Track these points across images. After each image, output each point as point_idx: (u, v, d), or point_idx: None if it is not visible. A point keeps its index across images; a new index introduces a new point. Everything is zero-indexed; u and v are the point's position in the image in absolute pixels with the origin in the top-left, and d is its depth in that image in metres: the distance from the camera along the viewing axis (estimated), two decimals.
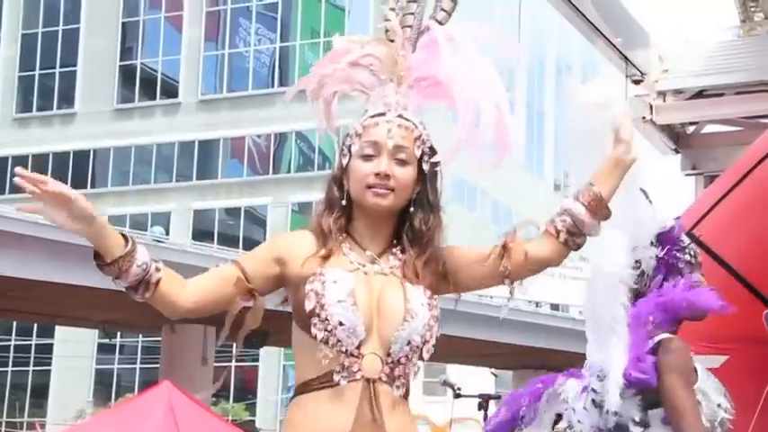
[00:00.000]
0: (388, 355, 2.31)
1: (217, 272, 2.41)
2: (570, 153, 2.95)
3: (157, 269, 2.31)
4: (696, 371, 2.89)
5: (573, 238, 2.40)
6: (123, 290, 2.33)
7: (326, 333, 2.28)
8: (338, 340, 2.29)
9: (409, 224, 2.43)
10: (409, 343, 2.32)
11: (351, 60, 2.48)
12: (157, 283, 2.31)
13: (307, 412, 2.32)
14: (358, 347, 2.30)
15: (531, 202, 37.31)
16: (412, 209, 2.42)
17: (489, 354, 16.05)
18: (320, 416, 2.30)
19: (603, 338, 3.03)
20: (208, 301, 2.38)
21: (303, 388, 2.35)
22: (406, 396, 2.38)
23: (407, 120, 2.43)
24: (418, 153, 2.41)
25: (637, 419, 2.94)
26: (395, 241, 2.44)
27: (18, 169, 2.19)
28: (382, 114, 2.42)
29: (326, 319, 2.28)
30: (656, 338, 2.93)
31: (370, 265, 2.39)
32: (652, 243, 3.03)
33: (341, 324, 2.28)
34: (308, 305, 2.30)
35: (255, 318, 2.39)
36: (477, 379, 15.19)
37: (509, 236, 2.43)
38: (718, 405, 2.85)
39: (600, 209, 2.40)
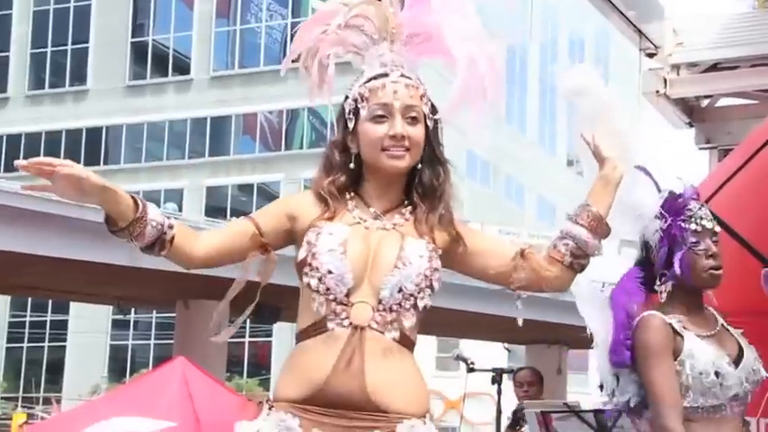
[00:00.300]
0: (380, 302, 2.33)
1: (231, 225, 2.48)
2: (575, 137, 2.97)
3: (171, 226, 2.36)
4: (684, 339, 2.86)
5: (578, 260, 2.46)
6: (139, 249, 2.36)
7: (317, 282, 2.33)
8: (327, 288, 2.33)
9: (419, 180, 2.45)
10: (401, 290, 2.34)
11: (341, 22, 2.48)
12: (172, 239, 2.35)
13: (297, 359, 2.37)
14: (347, 295, 2.33)
15: (544, 177, 37.24)
16: (420, 165, 2.44)
17: (502, 328, 16.05)
18: (306, 362, 2.34)
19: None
20: (221, 252, 2.42)
21: (299, 337, 2.40)
22: (405, 344, 2.37)
23: (410, 78, 2.44)
24: (426, 110, 2.43)
25: (638, 396, 2.95)
26: (405, 201, 2.46)
27: (18, 163, 2.22)
28: (385, 75, 2.43)
29: (317, 268, 2.33)
30: (640, 316, 2.94)
31: (372, 220, 2.42)
32: (657, 216, 3.00)
33: (330, 272, 2.32)
34: (301, 254, 2.36)
35: (268, 272, 2.43)
36: (490, 354, 15.21)
37: (529, 248, 2.47)
38: (700, 373, 2.82)
39: (600, 227, 2.46)
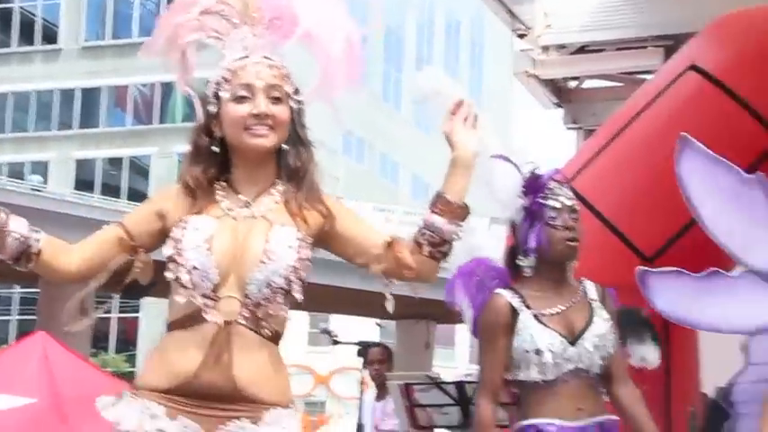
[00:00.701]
0: (247, 297, 2.34)
1: (101, 234, 2.45)
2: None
3: (37, 240, 2.34)
4: (519, 316, 3.02)
5: (437, 248, 2.45)
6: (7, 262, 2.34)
7: (184, 278, 2.33)
8: (194, 284, 2.32)
9: (284, 162, 2.45)
10: (269, 285, 2.34)
11: (202, 9, 2.48)
12: (39, 253, 2.34)
13: (165, 351, 2.38)
14: (214, 291, 2.33)
15: (419, 155, 37.61)
16: (285, 146, 2.44)
17: (373, 304, 16.22)
18: (174, 355, 2.35)
19: None
20: (93, 265, 2.41)
21: (169, 327, 2.40)
22: (273, 339, 2.39)
23: (272, 59, 2.45)
24: (290, 90, 2.43)
25: None
26: (277, 182, 2.46)
27: None
28: (247, 57, 2.43)
29: (183, 265, 2.33)
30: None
31: (239, 209, 2.41)
32: (519, 196, 3.14)
33: (195, 268, 2.32)
34: (167, 251, 2.35)
35: (144, 274, 2.42)
36: (361, 329, 15.33)
37: (397, 239, 2.47)
38: (525, 350, 2.99)
39: (453, 212, 2.44)
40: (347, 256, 2.50)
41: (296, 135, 2.46)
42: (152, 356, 2.41)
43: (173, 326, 2.38)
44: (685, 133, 3.59)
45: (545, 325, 3.01)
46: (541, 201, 3.10)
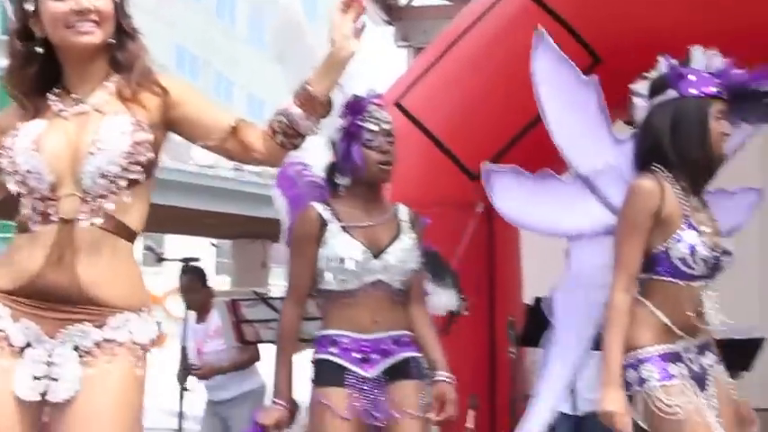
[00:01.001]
0: (86, 192, 2.29)
1: None
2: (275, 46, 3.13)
3: None
4: (326, 227, 3.14)
5: (289, 139, 2.43)
6: None
7: (20, 184, 2.30)
8: (31, 188, 2.29)
9: (113, 55, 2.39)
10: (104, 175, 2.29)
11: None
12: None
13: (11, 252, 2.34)
14: (53, 191, 2.29)
15: (254, 73, 37.19)
16: (111, 41, 2.37)
17: (208, 224, 16.06)
18: (19, 255, 2.31)
19: None
20: None
21: (16, 231, 2.36)
22: (121, 233, 2.34)
23: None
24: None
25: None
26: (111, 74, 2.39)
27: None
28: None
29: (16, 171, 2.29)
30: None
31: (71, 108, 2.35)
32: (340, 116, 3.20)
33: (29, 172, 2.28)
34: (2, 163, 2.31)
35: None
36: (197, 250, 15.21)
37: (244, 123, 2.45)
38: (329, 259, 3.12)
39: (314, 107, 2.43)
40: (194, 138, 2.46)
41: (120, 27, 2.39)
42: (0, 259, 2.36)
43: (19, 228, 2.33)
44: (539, 28, 3.59)
45: (351, 236, 3.13)
46: (359, 122, 3.18)
